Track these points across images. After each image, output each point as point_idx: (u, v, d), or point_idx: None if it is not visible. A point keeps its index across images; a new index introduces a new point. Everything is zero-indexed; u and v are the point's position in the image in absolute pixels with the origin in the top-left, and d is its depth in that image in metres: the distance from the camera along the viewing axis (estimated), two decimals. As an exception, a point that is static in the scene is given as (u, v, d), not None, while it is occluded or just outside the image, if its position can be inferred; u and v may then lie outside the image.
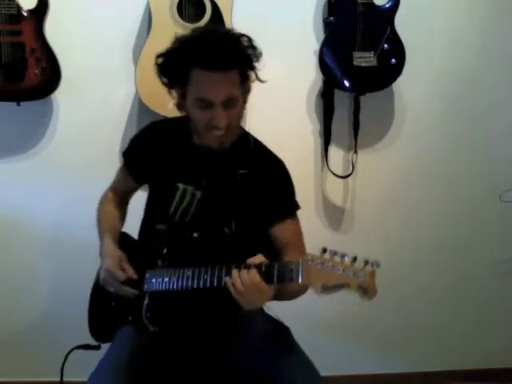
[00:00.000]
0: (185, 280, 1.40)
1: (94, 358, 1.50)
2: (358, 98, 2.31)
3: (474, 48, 2.38)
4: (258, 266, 1.28)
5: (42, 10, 2.04)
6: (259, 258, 1.31)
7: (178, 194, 1.53)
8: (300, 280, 1.22)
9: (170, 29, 2.06)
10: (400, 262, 2.46)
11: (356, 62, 2.18)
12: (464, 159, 2.48)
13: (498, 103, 2.45)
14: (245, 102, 1.47)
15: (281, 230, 1.49)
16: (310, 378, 1.41)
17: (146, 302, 1.49)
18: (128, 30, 2.21)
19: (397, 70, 2.22)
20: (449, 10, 2.35)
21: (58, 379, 1.72)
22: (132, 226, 1.69)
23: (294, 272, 1.23)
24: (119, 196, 1.74)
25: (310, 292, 1.26)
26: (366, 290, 1.16)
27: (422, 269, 2.50)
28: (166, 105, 1.98)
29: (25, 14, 2.02)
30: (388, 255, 2.44)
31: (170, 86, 1.47)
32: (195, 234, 1.52)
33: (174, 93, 1.48)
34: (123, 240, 1.65)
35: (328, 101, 2.33)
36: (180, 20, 2.07)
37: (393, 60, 2.21)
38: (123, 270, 1.49)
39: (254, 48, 1.43)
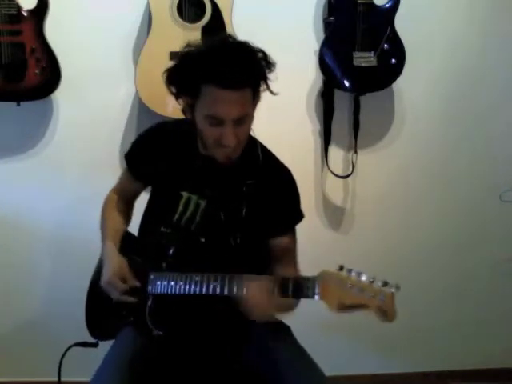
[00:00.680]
0: (192, 286, 1.39)
1: (92, 357, 1.51)
2: (357, 98, 2.31)
3: (474, 48, 2.38)
4: (276, 280, 1.28)
5: (42, 10, 2.04)
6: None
7: (181, 203, 1.52)
8: (316, 297, 1.21)
9: (170, 29, 2.06)
10: (400, 262, 2.46)
11: (356, 62, 2.18)
12: (464, 159, 2.48)
13: (497, 103, 2.45)
14: (252, 118, 1.44)
15: (279, 242, 1.49)
16: (314, 377, 1.42)
17: (149, 304, 1.48)
18: (128, 30, 2.21)
19: (397, 70, 2.22)
20: (449, 10, 2.35)
21: (56, 379, 1.72)
22: (133, 223, 1.69)
23: (310, 289, 1.23)
24: (123, 198, 1.71)
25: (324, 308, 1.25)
26: (386, 313, 1.14)
27: (421, 269, 2.50)
28: (166, 105, 2.00)
29: (25, 14, 2.02)
30: (388, 255, 2.47)
31: (178, 95, 1.43)
32: (202, 239, 1.51)
33: (182, 100, 1.44)
34: (126, 239, 1.64)
35: (328, 101, 2.33)
36: (180, 20, 2.07)
37: (393, 60, 2.21)
38: (124, 279, 1.48)
39: (268, 63, 1.39)
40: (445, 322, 2.54)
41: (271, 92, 1.42)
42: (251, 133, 1.48)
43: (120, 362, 1.43)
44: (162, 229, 1.55)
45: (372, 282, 1.15)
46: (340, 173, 2.39)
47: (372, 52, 2.18)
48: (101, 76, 2.22)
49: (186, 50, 1.40)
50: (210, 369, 1.51)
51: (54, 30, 2.08)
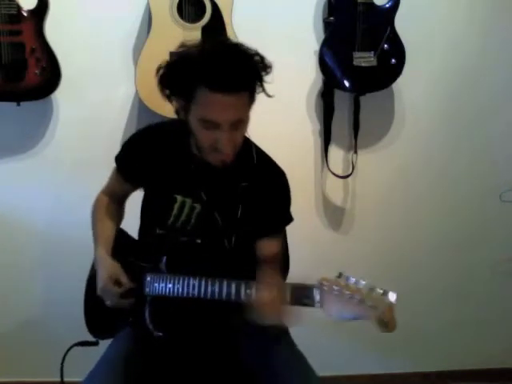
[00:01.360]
0: (190, 288, 1.38)
1: (93, 356, 1.51)
2: (358, 98, 2.31)
3: (474, 48, 2.38)
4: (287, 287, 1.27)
5: (42, 9, 2.04)
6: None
7: (176, 206, 1.50)
8: (317, 307, 1.21)
9: (170, 29, 2.06)
10: (400, 262, 2.47)
11: (356, 62, 2.18)
12: (464, 159, 2.48)
13: (498, 103, 2.45)
14: (248, 121, 1.41)
15: (265, 245, 1.48)
16: (306, 379, 1.40)
17: (148, 306, 1.48)
18: (128, 30, 2.21)
19: (397, 70, 2.22)
20: (449, 10, 2.35)
21: (57, 379, 1.72)
22: (131, 223, 1.69)
23: (310, 298, 1.22)
24: (114, 199, 1.69)
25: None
26: (386, 324, 1.13)
27: (421, 269, 2.50)
28: (166, 105, 1.99)
29: (25, 14, 2.02)
30: (388, 255, 2.47)
31: (170, 97, 1.41)
32: (198, 240, 1.50)
33: (175, 102, 1.42)
34: (121, 239, 1.64)
35: (328, 101, 2.33)
36: (180, 20, 2.07)
37: (393, 60, 2.21)
38: (119, 282, 1.48)
39: (265, 66, 1.36)
40: (445, 322, 2.54)
41: (267, 95, 1.39)
42: (246, 134, 1.46)
43: (114, 362, 1.43)
44: (158, 231, 1.54)
45: (372, 290, 1.14)
46: (340, 173, 2.39)
47: (372, 52, 2.17)
48: (101, 76, 2.22)
49: (181, 51, 1.37)
50: (208, 369, 1.51)
51: (54, 30, 2.08)
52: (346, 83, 2.23)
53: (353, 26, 2.15)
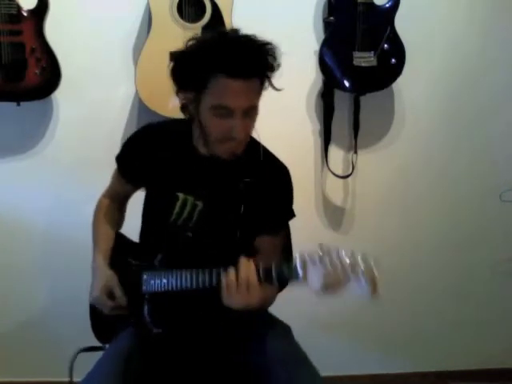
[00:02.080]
0: (183, 281, 1.38)
1: (98, 356, 1.51)
2: (358, 98, 2.31)
3: (474, 48, 2.38)
4: (256, 265, 1.27)
5: (42, 10, 2.04)
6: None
7: (178, 204, 1.50)
8: (300, 279, 1.20)
9: (170, 29, 2.06)
10: (400, 262, 2.46)
11: (356, 62, 2.18)
12: (464, 159, 2.48)
13: (498, 103, 2.45)
14: (258, 111, 1.43)
15: (263, 241, 1.48)
16: (309, 378, 1.40)
17: (146, 304, 1.48)
18: (128, 30, 2.21)
19: (397, 70, 2.22)
20: (449, 10, 2.35)
21: (63, 379, 1.72)
22: (132, 224, 1.69)
23: (293, 270, 1.21)
24: (115, 201, 1.69)
25: (309, 291, 1.24)
26: (372, 282, 1.17)
27: (421, 269, 2.50)
28: (166, 105, 1.99)
29: (25, 14, 2.02)
30: (388, 255, 2.44)
31: (181, 88, 1.40)
32: (199, 238, 1.50)
33: (182, 95, 1.42)
34: (119, 242, 1.64)
35: (328, 101, 2.33)
36: (180, 20, 2.07)
37: (393, 60, 2.21)
38: (112, 295, 1.49)
39: (275, 57, 1.38)
40: (445, 322, 2.54)
41: (274, 88, 1.41)
42: (255, 135, 1.47)
43: (115, 360, 1.43)
44: (159, 229, 1.54)
45: (351, 256, 1.17)
46: (340, 173, 2.39)
47: (372, 52, 2.17)
48: (101, 76, 2.22)
49: (192, 42, 1.37)
50: (207, 366, 1.51)
51: (54, 30, 2.08)
52: (346, 83, 2.23)
53: (353, 25, 2.15)
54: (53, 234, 2.32)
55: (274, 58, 1.38)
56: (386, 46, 2.18)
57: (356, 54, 2.17)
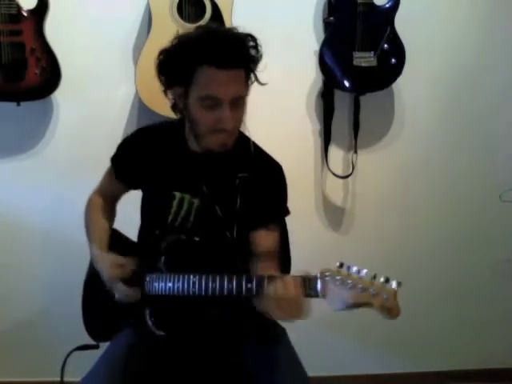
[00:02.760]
0: (190, 286, 1.37)
1: (93, 356, 1.50)
2: (358, 98, 2.31)
3: (474, 48, 2.38)
4: (299, 278, 1.24)
5: (42, 10, 2.04)
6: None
7: (174, 203, 1.50)
8: (320, 297, 1.20)
9: (170, 29, 2.06)
10: (400, 262, 2.46)
11: (356, 62, 2.18)
12: (464, 159, 2.48)
13: (497, 103, 2.45)
14: (246, 103, 1.44)
15: (261, 237, 1.46)
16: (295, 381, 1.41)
17: (149, 306, 1.48)
18: (128, 30, 2.21)
19: (397, 70, 2.22)
20: (449, 10, 2.35)
21: (57, 379, 1.72)
22: (131, 224, 1.68)
23: (313, 288, 1.21)
24: (106, 200, 1.69)
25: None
26: (389, 310, 1.14)
27: (421, 269, 2.50)
28: (166, 105, 1.99)
29: (25, 14, 2.02)
30: (388, 255, 2.47)
31: (169, 84, 1.43)
32: (196, 238, 1.50)
33: (171, 94, 1.44)
34: (115, 239, 1.64)
35: (328, 101, 2.33)
36: (180, 20, 2.07)
37: (393, 60, 2.21)
38: (122, 266, 1.48)
39: (257, 49, 1.41)
40: (444, 321, 2.54)
41: (258, 82, 1.44)
42: (245, 131, 1.48)
43: (114, 361, 1.43)
44: (157, 230, 1.54)
45: (374, 278, 1.15)
46: (340, 173, 2.39)
47: (372, 52, 2.18)
48: (101, 76, 2.22)
49: (175, 39, 1.40)
50: (208, 369, 1.51)
51: (54, 30, 2.08)
52: (346, 83, 2.23)
53: (353, 26, 2.15)
54: (53, 234, 2.32)
55: (256, 50, 1.40)
56: (385, 46, 2.18)
57: (356, 54, 2.17)
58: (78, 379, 1.46)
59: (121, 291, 1.48)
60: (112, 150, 1.75)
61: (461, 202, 2.50)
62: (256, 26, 2.17)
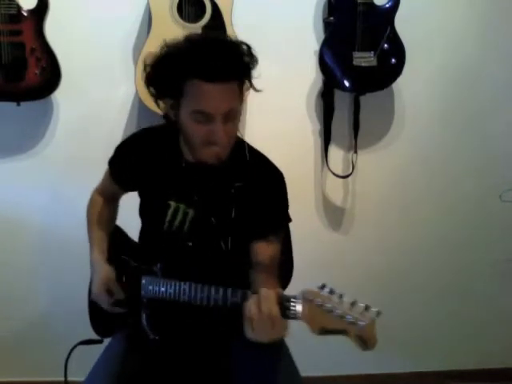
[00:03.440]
0: (181, 294, 1.36)
1: (96, 355, 1.52)
2: (358, 98, 2.31)
3: (474, 48, 2.38)
4: (278, 296, 1.19)
5: (42, 9, 2.04)
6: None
7: (169, 212, 1.49)
8: (299, 319, 1.16)
9: (170, 29, 2.06)
10: (399, 262, 2.47)
11: (356, 62, 2.18)
12: (464, 159, 2.48)
13: (497, 103, 2.45)
14: (241, 112, 1.39)
15: (260, 248, 1.43)
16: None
17: (144, 308, 1.48)
18: (128, 30, 2.21)
19: (397, 70, 2.22)
20: (448, 10, 2.35)
21: (60, 378, 1.72)
22: (131, 223, 1.69)
23: (292, 310, 1.16)
24: (107, 198, 1.69)
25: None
26: (365, 342, 1.10)
27: (421, 268, 2.51)
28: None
29: (25, 14, 2.02)
30: (387, 255, 2.47)
31: (159, 96, 1.38)
32: (190, 243, 1.49)
33: (162, 103, 1.40)
34: (117, 236, 1.65)
35: (328, 101, 2.33)
36: (180, 20, 2.07)
37: (393, 60, 2.21)
38: (111, 291, 1.49)
39: (251, 56, 1.35)
40: (444, 321, 2.55)
41: (254, 89, 1.39)
42: (238, 134, 1.44)
43: (111, 364, 1.43)
44: (153, 237, 1.54)
45: (353, 305, 1.10)
46: (340, 173, 2.39)
47: (372, 52, 2.17)
48: (101, 76, 2.22)
49: (164, 50, 1.35)
50: (202, 373, 1.51)
51: (54, 30, 2.08)
52: (346, 83, 2.23)
53: (353, 26, 2.15)
54: (53, 234, 2.32)
55: (250, 58, 1.34)
56: (385, 45, 2.18)
57: (356, 53, 2.17)
58: (80, 378, 1.47)
59: (105, 307, 1.50)
60: (112, 150, 1.76)
61: (461, 202, 2.50)
62: (256, 26, 2.21)
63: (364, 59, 2.18)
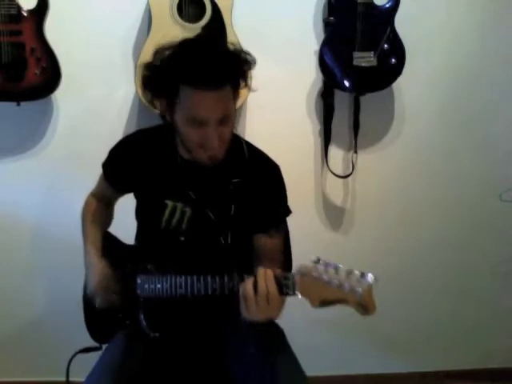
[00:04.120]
0: (177, 287, 1.38)
1: (95, 356, 1.52)
2: (358, 98, 2.31)
3: (474, 48, 2.38)
4: (275, 274, 1.22)
5: (42, 9, 2.04)
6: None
7: (167, 212, 1.49)
8: (298, 294, 1.18)
9: (169, 29, 2.06)
10: (399, 262, 2.47)
11: (356, 62, 2.18)
12: (464, 159, 2.48)
13: (497, 103, 2.45)
14: (235, 114, 1.41)
15: (262, 241, 1.46)
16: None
17: (141, 307, 1.48)
18: (128, 30, 2.21)
19: (397, 70, 2.22)
20: (449, 10, 2.35)
21: (61, 379, 1.72)
22: (130, 225, 1.69)
23: (291, 286, 1.20)
24: (102, 202, 1.69)
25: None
26: (365, 307, 1.13)
27: (421, 268, 2.51)
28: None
29: (25, 14, 2.02)
30: (388, 255, 2.47)
31: (155, 97, 1.40)
32: (186, 240, 1.50)
33: (158, 103, 1.41)
34: (109, 242, 1.64)
35: (328, 101, 2.33)
36: (180, 20, 2.07)
37: (393, 60, 2.21)
38: (107, 288, 1.49)
39: (245, 59, 1.36)
40: (444, 321, 2.55)
41: (250, 89, 1.40)
42: (235, 131, 1.45)
43: (111, 365, 1.43)
44: (150, 236, 1.55)
45: (349, 274, 1.13)
46: (340, 173, 2.39)
47: (372, 52, 2.17)
48: (101, 76, 2.22)
49: (158, 55, 1.37)
50: (202, 370, 1.51)
51: (54, 30, 2.08)
52: (346, 83, 2.23)
53: (353, 25, 2.15)
54: (54, 234, 2.32)
55: (242, 62, 1.35)
56: (385, 46, 2.18)
57: (356, 54, 2.17)
58: (80, 379, 1.47)
59: (103, 301, 1.50)
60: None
61: (461, 202, 2.50)
62: (256, 26, 2.21)
63: (364, 59, 2.18)
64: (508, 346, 2.57)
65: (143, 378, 1.45)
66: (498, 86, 2.43)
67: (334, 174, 2.37)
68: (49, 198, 2.30)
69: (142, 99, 2.09)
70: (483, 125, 2.46)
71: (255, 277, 1.23)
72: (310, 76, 2.32)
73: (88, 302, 1.66)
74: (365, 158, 2.40)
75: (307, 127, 2.37)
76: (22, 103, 2.09)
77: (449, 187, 2.48)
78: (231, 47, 1.36)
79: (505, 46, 2.39)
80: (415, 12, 2.28)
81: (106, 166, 1.63)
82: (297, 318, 1.61)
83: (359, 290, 1.11)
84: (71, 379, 1.70)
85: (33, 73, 2.04)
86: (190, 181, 1.47)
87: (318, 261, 1.16)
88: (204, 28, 2.07)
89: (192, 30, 2.06)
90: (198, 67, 1.28)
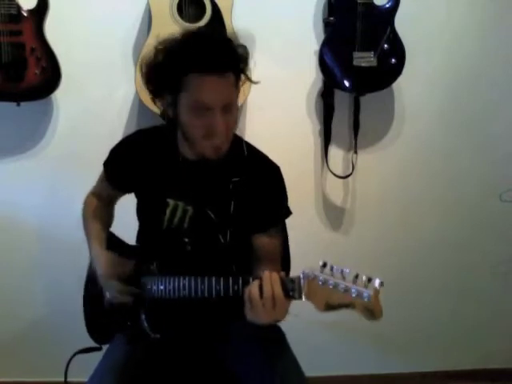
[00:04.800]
0: (181, 289, 1.37)
1: (95, 356, 1.52)
2: (358, 98, 2.31)
3: (474, 48, 2.38)
4: (281, 277, 1.22)
5: (42, 9, 2.04)
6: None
7: (168, 211, 1.49)
8: (304, 298, 1.18)
9: (170, 29, 2.05)
10: (400, 262, 2.47)
11: (356, 62, 2.18)
12: (464, 159, 2.48)
13: (497, 103, 2.45)
14: (238, 107, 1.42)
15: (261, 241, 1.46)
16: None
17: (144, 308, 1.48)
18: (128, 30, 2.21)
19: (397, 70, 2.22)
20: (449, 10, 2.35)
21: (60, 379, 1.72)
22: (129, 225, 1.68)
23: (297, 291, 1.19)
24: (102, 201, 1.69)
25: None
26: (372, 312, 1.12)
27: (421, 269, 2.51)
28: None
29: (25, 14, 2.02)
30: (388, 255, 2.47)
31: (157, 94, 1.40)
32: (192, 241, 1.50)
33: (159, 102, 1.42)
34: (111, 242, 1.63)
35: (328, 101, 2.33)
36: (180, 20, 2.07)
37: (393, 60, 2.21)
38: (119, 276, 1.48)
39: (244, 48, 1.38)
40: (444, 321, 2.55)
41: (250, 80, 1.42)
42: (240, 132, 1.46)
43: (113, 366, 1.43)
44: (152, 236, 1.54)
45: (356, 278, 1.12)
46: (340, 173, 2.39)
47: (372, 52, 2.17)
48: (101, 76, 2.22)
49: (160, 47, 1.37)
50: (204, 371, 1.51)
51: (54, 30, 2.08)
52: (346, 83, 2.23)
53: (353, 26, 2.15)
54: (54, 234, 2.32)
55: (244, 49, 1.37)
56: (385, 46, 2.18)
57: (356, 54, 2.17)
58: (82, 379, 1.46)
59: (114, 289, 1.48)
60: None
61: (461, 202, 2.50)
62: (256, 26, 2.21)
63: (364, 59, 2.18)
64: (508, 346, 2.57)
65: (146, 378, 1.45)
66: (498, 86, 2.43)
67: (334, 174, 2.37)
68: (49, 198, 2.30)
69: (142, 99, 2.11)
70: (483, 125, 2.46)
71: (261, 279, 1.23)
72: (309, 76, 2.32)
73: (88, 302, 1.66)
74: (365, 158, 2.40)
75: (307, 127, 2.37)
76: (22, 103, 2.09)
77: (449, 187, 2.48)
78: (230, 35, 1.39)
79: (505, 46, 2.39)
80: (415, 12, 2.28)
81: (107, 165, 1.63)
82: (297, 319, 1.61)
83: (366, 294, 1.10)
84: (70, 379, 1.69)
85: (33, 73, 2.04)
86: (191, 179, 1.48)
87: (324, 265, 1.15)
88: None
89: (192, 30, 2.06)
90: (202, 51, 1.30)
